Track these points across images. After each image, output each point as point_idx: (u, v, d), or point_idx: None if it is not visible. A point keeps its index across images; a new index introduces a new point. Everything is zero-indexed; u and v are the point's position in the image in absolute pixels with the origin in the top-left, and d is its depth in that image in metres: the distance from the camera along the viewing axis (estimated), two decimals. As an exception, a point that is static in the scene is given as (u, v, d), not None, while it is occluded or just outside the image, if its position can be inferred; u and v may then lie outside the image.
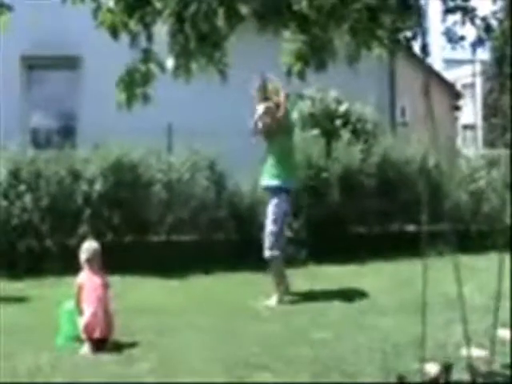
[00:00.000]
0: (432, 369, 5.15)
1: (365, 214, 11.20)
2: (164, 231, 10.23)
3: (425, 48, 4.10)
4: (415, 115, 20.69)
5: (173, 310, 7.29)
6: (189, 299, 7.96)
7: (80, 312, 5.93)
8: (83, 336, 5.77)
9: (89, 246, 6.45)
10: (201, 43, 4.38)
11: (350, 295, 7.98)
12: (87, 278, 6.09)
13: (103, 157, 9.97)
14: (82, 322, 5.84)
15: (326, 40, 4.50)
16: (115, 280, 8.81)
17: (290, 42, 4.66)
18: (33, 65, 13.86)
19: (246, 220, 10.24)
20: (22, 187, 9.62)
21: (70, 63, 13.96)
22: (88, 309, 5.85)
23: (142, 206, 9.96)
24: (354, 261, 9.91)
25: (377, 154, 11.45)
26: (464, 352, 5.42)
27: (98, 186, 9.69)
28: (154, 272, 9.16)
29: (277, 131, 7.92)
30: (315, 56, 4.54)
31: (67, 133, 13.58)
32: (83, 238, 9.61)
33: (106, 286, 6.08)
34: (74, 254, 9.71)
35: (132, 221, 9.91)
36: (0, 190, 9.59)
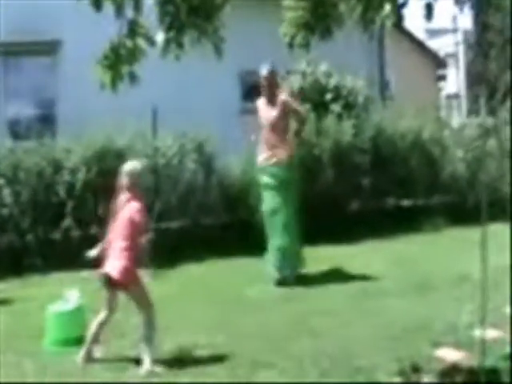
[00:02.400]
0: (446, 354, 4.86)
1: (359, 191, 10.93)
2: (152, 218, 9.83)
3: (430, 8, 3.68)
4: (399, 89, 20.43)
5: (166, 303, 6.85)
6: (182, 290, 7.59)
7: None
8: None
9: (133, 168, 5.36)
10: (192, 14, 3.94)
11: (348, 278, 7.67)
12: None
13: (86, 145, 9.53)
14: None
15: (331, 5, 4.04)
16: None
17: (291, 9, 4.16)
18: (8, 51, 13.33)
19: (237, 203, 9.87)
20: (1, 181, 9.16)
21: (47, 48, 13.46)
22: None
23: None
24: (351, 240, 9.59)
25: (369, 128, 11.14)
26: (477, 333, 5.12)
27: (81, 176, 9.26)
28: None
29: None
30: (320, 23, 4.07)
31: (47, 121, 13.08)
32: (67, 231, 9.29)
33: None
34: (58, 249, 9.52)
35: (118, 210, 9.49)
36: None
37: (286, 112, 7.79)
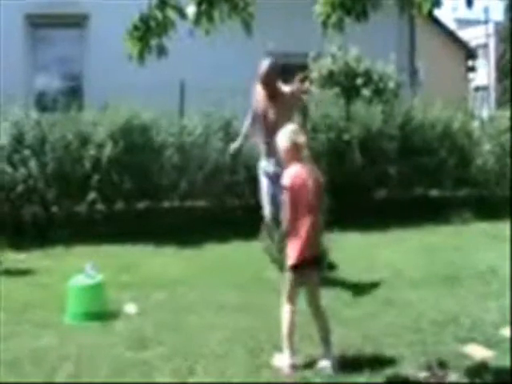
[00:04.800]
0: (474, 351, 4.73)
1: (386, 179, 10.77)
2: (177, 197, 9.79)
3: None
4: (429, 78, 20.14)
5: (189, 283, 6.81)
6: (205, 270, 7.48)
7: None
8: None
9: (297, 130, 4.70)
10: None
11: (375, 267, 7.52)
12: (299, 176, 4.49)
13: (112, 119, 9.48)
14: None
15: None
16: (127, 250, 8.46)
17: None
18: (36, 24, 13.26)
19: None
20: (27, 152, 9.13)
21: (75, 21, 13.36)
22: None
23: (153, 170, 9.49)
24: (378, 228, 9.46)
25: (398, 115, 10.97)
26: (504, 332, 5.05)
27: (107, 151, 9.20)
28: (168, 240, 8.72)
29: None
30: (356, 4, 3.93)
31: (74, 94, 13.02)
32: (92, 205, 9.26)
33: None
34: (82, 222, 9.52)
35: (143, 186, 9.46)
36: (3, 155, 9.11)
37: (290, 106, 6.99)
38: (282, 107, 6.88)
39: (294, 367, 4.37)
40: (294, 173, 4.45)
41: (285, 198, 4.43)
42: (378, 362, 4.46)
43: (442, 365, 4.40)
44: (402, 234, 9.48)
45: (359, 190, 10.19)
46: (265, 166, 7.09)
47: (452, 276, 6.96)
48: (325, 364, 4.41)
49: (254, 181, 9.82)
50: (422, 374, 4.30)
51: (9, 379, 4.25)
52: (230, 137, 9.81)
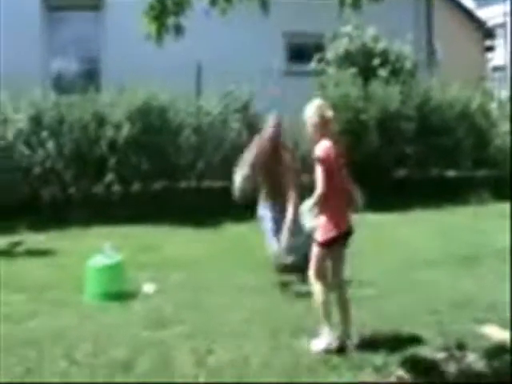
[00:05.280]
0: (493, 332, 4.70)
1: (404, 159, 10.73)
2: (195, 177, 9.79)
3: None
4: (446, 58, 19.92)
5: (208, 263, 6.84)
6: (223, 251, 7.51)
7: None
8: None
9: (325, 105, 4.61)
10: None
11: (392, 247, 7.50)
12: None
13: (130, 100, 9.48)
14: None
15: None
16: (146, 230, 8.49)
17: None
18: (53, 6, 13.23)
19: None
20: (45, 133, 9.17)
21: (92, 3, 13.33)
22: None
23: (171, 151, 9.50)
24: (395, 208, 9.44)
25: (416, 95, 10.90)
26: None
27: (124, 132, 9.21)
28: (186, 220, 8.75)
29: None
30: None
31: (91, 76, 13.01)
32: (109, 187, 9.29)
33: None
34: (99, 203, 9.55)
35: (161, 167, 9.47)
36: (21, 136, 9.15)
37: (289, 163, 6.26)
38: (283, 162, 6.31)
39: (329, 350, 4.34)
40: (326, 147, 4.41)
41: (318, 171, 4.37)
42: (394, 342, 4.45)
43: (461, 346, 4.38)
44: (421, 214, 9.48)
45: (378, 169, 10.15)
46: (263, 209, 6.70)
47: (470, 256, 6.93)
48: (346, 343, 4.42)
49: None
50: (440, 355, 4.28)
51: (29, 357, 4.29)
52: (247, 118, 9.83)
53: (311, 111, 4.52)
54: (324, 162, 4.35)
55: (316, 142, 4.47)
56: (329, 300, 4.44)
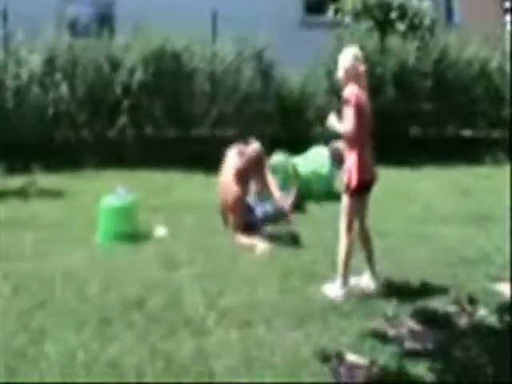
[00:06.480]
0: (505, 288, 4.67)
1: (420, 116, 10.61)
2: (207, 125, 9.71)
3: None
4: (464, 18, 19.57)
5: (218, 208, 6.81)
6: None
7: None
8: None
9: (360, 57, 4.52)
10: None
11: (407, 202, 7.46)
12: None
13: (144, 44, 9.37)
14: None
15: None
16: (157, 175, 8.47)
17: None
18: None
19: (294, 115, 9.65)
20: (58, 76, 9.09)
21: None
22: None
23: (184, 97, 9.42)
24: (411, 165, 9.41)
25: (433, 51, 10.74)
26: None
27: (138, 76, 9.12)
28: (197, 167, 8.72)
29: None
30: None
31: (106, 20, 12.84)
32: (122, 130, 9.23)
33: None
34: (112, 146, 9.50)
35: (174, 113, 9.41)
36: (35, 78, 9.07)
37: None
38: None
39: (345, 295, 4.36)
40: (357, 91, 4.36)
41: (347, 113, 4.34)
42: (407, 293, 4.44)
43: (472, 300, 4.36)
44: (436, 171, 9.43)
45: (394, 125, 10.03)
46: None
47: (484, 215, 6.88)
48: (367, 282, 4.50)
49: (285, 110, 9.78)
50: (451, 308, 4.26)
51: (41, 294, 4.29)
52: (262, 66, 9.71)
53: (346, 56, 4.49)
54: (354, 103, 4.31)
55: (346, 86, 4.43)
56: (352, 253, 4.45)
